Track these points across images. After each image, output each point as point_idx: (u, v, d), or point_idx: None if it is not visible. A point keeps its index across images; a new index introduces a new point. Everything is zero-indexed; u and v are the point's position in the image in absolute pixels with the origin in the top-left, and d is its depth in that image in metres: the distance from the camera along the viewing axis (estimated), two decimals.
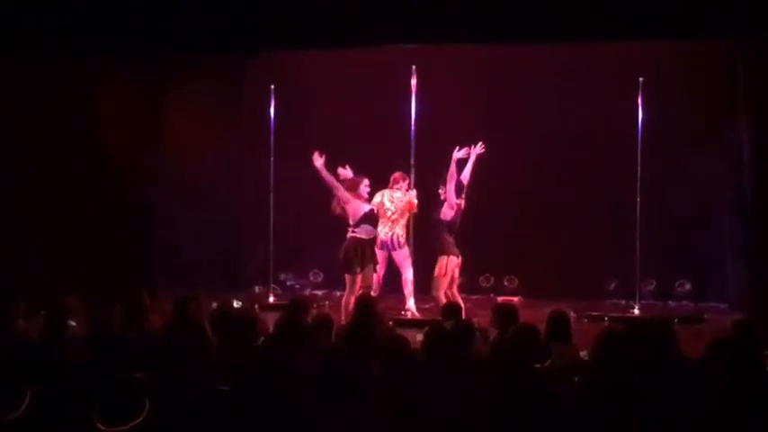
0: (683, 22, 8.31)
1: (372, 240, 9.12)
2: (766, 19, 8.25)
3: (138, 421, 3.71)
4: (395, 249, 9.53)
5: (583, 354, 5.72)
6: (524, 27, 8.63)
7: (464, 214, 9.48)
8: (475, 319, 7.67)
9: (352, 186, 9.14)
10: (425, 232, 9.66)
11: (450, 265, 9.39)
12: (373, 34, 8.99)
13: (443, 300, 9.13)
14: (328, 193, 9.13)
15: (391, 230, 9.50)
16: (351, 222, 9.04)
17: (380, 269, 9.41)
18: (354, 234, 9.00)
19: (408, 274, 9.58)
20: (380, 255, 9.38)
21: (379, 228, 9.38)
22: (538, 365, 5.13)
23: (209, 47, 9.55)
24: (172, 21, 9.07)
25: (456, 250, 9.43)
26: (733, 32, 8.80)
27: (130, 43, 9.21)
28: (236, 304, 9.61)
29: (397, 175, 9.69)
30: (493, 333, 6.23)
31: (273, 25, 9.09)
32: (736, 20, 8.22)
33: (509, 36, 8.89)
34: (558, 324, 5.91)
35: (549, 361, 5.24)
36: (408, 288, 9.58)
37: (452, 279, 9.50)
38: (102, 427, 3.69)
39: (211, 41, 9.30)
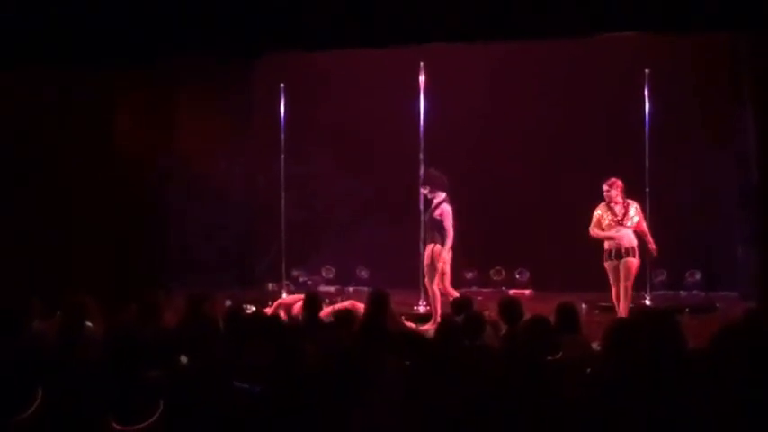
0: (687, 16, 8.29)
1: None
2: None
3: (152, 420, 3.75)
4: None
5: (595, 345, 5.76)
6: (530, 23, 8.60)
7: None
8: (486, 312, 7.69)
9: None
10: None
11: (436, 254, 9.07)
12: (380, 35, 8.95)
13: (433, 290, 9.04)
14: None
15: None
16: None
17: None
18: None
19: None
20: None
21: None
22: (549, 358, 5.17)
23: (216, 50, 9.57)
24: (178, 25, 9.09)
25: (448, 242, 9.08)
26: (737, 27, 8.78)
27: (140, 50, 9.25)
28: (248, 310, 9.61)
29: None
30: (503, 328, 6.27)
31: (280, 27, 9.09)
32: (741, 14, 8.20)
33: (515, 33, 8.86)
34: (567, 316, 5.95)
35: (561, 353, 5.28)
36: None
37: (443, 272, 9.14)
38: (118, 427, 3.73)
39: (219, 44, 9.31)
